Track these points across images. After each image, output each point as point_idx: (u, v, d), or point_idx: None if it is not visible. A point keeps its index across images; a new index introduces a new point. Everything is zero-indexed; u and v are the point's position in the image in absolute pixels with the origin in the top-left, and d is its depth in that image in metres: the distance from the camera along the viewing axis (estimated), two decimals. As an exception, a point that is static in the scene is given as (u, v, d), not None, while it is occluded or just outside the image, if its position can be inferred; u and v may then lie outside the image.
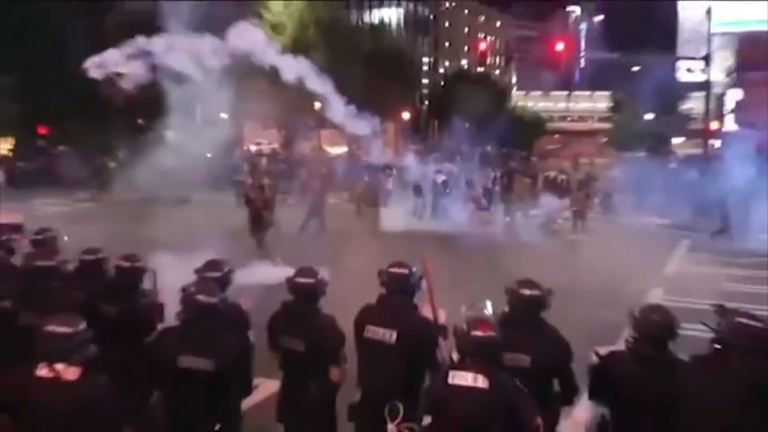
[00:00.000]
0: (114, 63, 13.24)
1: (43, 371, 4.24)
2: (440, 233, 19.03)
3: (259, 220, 16.17)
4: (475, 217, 24.11)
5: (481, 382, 4.34)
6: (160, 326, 5.85)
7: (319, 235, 20.19)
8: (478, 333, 4.46)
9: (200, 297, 5.11)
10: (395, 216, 21.48)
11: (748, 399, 4.29)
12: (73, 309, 5.38)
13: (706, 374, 4.46)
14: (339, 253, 14.21)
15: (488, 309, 5.29)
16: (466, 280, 13.32)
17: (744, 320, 4.52)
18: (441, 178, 25.48)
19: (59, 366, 4.23)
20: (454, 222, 21.76)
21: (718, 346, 4.55)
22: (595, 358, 5.01)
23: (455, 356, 4.55)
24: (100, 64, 13.04)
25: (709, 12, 50.68)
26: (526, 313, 5.16)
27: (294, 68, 14.39)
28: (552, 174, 33.74)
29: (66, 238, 8.27)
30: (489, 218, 24.79)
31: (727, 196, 20.32)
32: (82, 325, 4.41)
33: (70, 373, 4.23)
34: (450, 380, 4.42)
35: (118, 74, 15.07)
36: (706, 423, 4.38)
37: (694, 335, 5.19)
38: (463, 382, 4.37)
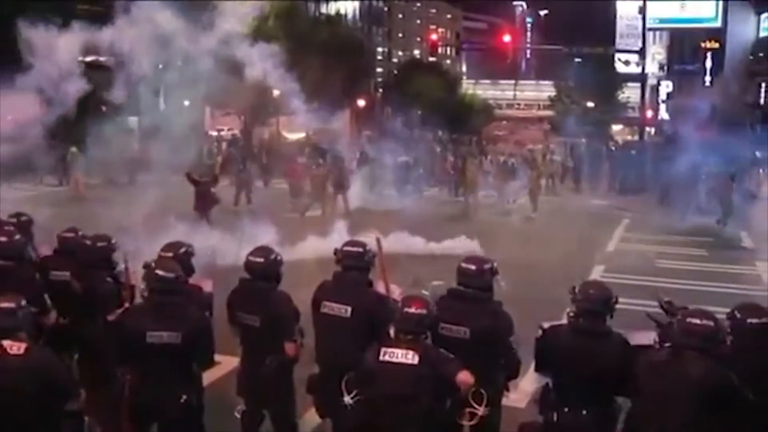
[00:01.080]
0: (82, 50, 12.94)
1: None
2: (401, 211, 19.01)
3: (204, 198, 16.07)
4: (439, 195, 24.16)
5: (412, 358, 4.35)
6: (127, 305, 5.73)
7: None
8: (410, 310, 4.48)
9: (161, 272, 5.01)
10: (357, 196, 21.44)
11: (703, 399, 4.17)
12: (33, 288, 5.26)
13: (662, 374, 4.32)
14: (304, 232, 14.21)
15: (427, 288, 5.31)
16: (427, 257, 13.45)
17: (695, 320, 4.34)
18: (403, 158, 25.56)
19: (5, 342, 4.15)
20: (412, 201, 21.82)
21: (667, 345, 4.47)
22: (539, 332, 4.99)
23: (392, 332, 4.56)
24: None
25: (642, 9, 51.54)
26: (469, 287, 5.12)
27: (260, 62, 14.25)
28: (502, 158, 33.85)
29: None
30: (445, 198, 24.96)
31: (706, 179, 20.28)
32: (24, 302, 4.33)
33: (15, 347, 4.14)
34: (381, 357, 4.42)
35: (87, 63, 14.71)
36: (663, 422, 4.27)
37: (631, 309, 5.30)
38: (393, 359, 4.38)
